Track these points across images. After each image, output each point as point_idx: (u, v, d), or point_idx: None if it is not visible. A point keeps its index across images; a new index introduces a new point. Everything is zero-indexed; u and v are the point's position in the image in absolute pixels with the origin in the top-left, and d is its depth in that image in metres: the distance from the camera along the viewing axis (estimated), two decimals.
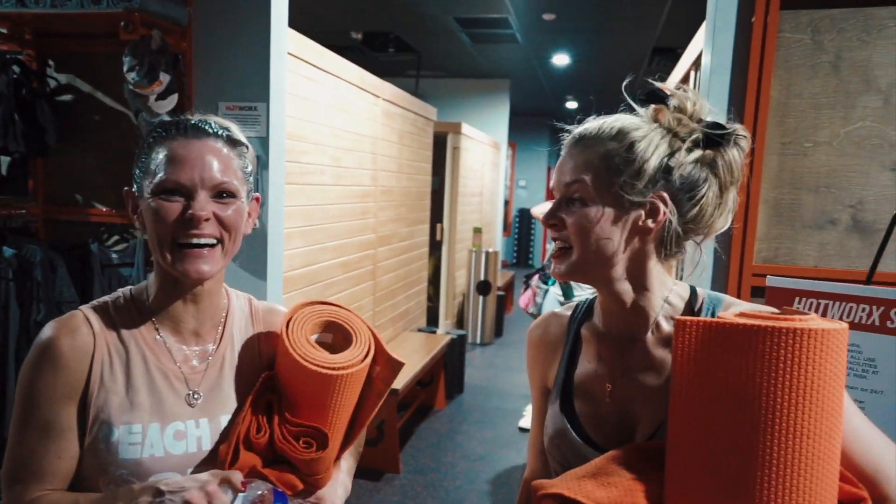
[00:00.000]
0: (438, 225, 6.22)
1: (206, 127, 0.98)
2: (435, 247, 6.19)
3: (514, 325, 7.84)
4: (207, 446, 0.99)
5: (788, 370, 0.72)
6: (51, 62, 2.67)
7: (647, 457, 0.83)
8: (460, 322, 6.85)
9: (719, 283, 1.79)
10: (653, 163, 0.90)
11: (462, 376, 5.24)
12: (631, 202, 0.90)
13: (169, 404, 0.98)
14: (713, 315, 0.94)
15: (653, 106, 0.95)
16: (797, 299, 1.46)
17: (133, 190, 1.00)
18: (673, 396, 0.79)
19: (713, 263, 1.81)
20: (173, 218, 0.93)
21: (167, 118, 2.50)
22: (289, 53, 2.71)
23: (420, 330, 5.15)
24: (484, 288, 6.65)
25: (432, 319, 6.16)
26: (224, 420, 1.01)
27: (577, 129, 0.97)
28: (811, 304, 1.45)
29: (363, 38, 6.72)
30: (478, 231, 7.04)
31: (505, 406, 4.94)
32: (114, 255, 2.61)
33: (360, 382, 1.02)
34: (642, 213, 0.91)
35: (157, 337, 1.00)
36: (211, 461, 0.98)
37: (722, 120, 0.92)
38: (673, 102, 0.93)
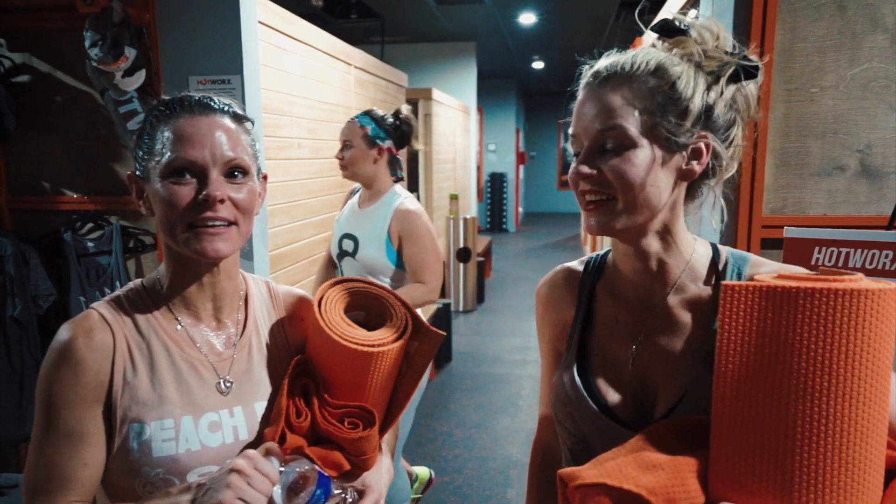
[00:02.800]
0: (414, 194, 6.13)
1: (211, 103, 0.92)
2: None
3: (495, 290, 7.84)
4: (244, 436, 0.94)
5: (845, 333, 0.68)
6: (2, 41, 2.48)
7: (683, 434, 0.78)
8: (442, 291, 6.80)
9: (728, 236, 1.76)
10: (697, 101, 0.83)
11: (450, 345, 5.22)
12: (678, 144, 0.83)
13: (199, 395, 0.93)
14: (739, 275, 0.89)
15: (672, 39, 0.86)
16: (816, 248, 1.44)
17: (136, 173, 0.94)
18: (719, 366, 0.74)
19: (720, 216, 1.78)
20: (187, 200, 0.88)
21: (135, 95, 2.37)
22: (258, 22, 2.57)
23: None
24: (464, 255, 6.61)
25: None
26: (259, 407, 0.97)
27: (601, 65, 0.86)
28: (831, 252, 1.42)
29: (324, 5, 6.49)
30: (454, 198, 6.96)
31: (495, 371, 4.95)
32: (90, 244, 2.48)
33: (398, 359, 0.98)
34: (685, 155, 0.85)
35: (178, 327, 0.95)
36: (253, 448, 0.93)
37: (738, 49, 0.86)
38: (693, 34, 0.85)
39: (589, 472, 0.75)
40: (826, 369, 0.68)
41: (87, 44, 2.14)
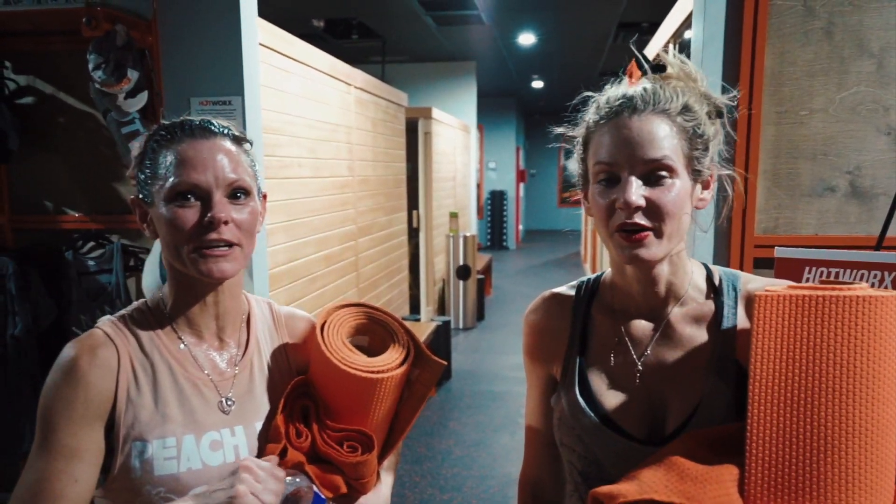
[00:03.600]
0: (414, 212, 6.16)
1: (211, 126, 0.94)
2: (412, 234, 6.14)
3: (495, 308, 7.85)
4: (245, 455, 0.95)
5: (869, 337, 0.73)
6: (7, 63, 2.53)
7: (712, 444, 0.79)
8: (442, 308, 6.82)
9: (721, 256, 1.78)
10: (712, 136, 0.90)
11: (449, 362, 5.22)
12: (700, 175, 0.89)
13: (201, 414, 0.94)
14: (735, 289, 0.93)
15: (666, 74, 0.92)
16: (807, 269, 1.46)
17: (140, 197, 0.96)
18: (755, 374, 0.76)
19: (713, 237, 1.80)
20: (192, 223, 0.90)
21: (137, 116, 2.41)
22: (259, 44, 2.61)
23: (404, 318, 5.10)
24: (464, 272, 6.63)
25: (414, 307, 6.12)
26: (259, 427, 0.98)
27: (633, 95, 0.87)
28: (821, 272, 1.44)
29: (325, 26, 6.58)
30: (454, 216, 7.00)
31: (494, 389, 4.94)
32: (90, 263, 2.50)
33: (400, 386, 0.98)
34: (700, 186, 0.90)
35: (181, 346, 0.97)
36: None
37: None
38: (675, 72, 0.91)
39: (629, 489, 0.74)
40: (852, 373, 0.73)
41: (90, 66, 2.18)
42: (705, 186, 0.91)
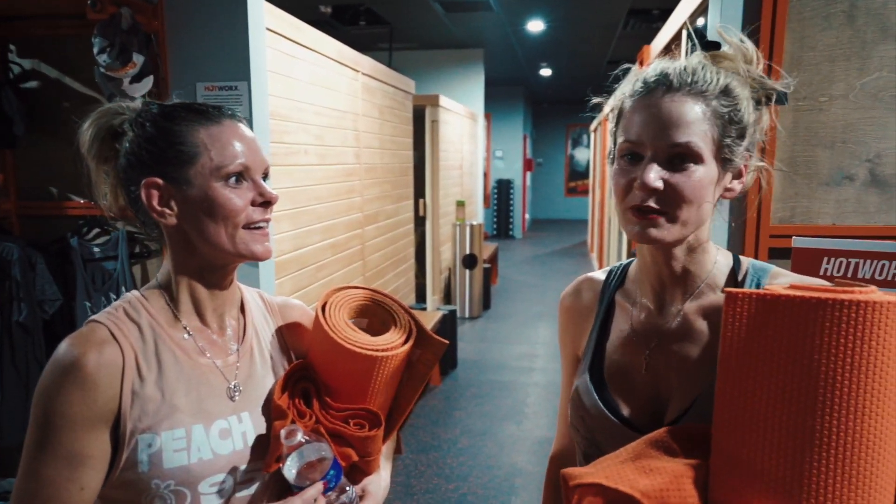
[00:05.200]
0: (421, 200, 6.13)
1: (228, 111, 0.95)
2: (418, 222, 6.11)
3: (501, 297, 7.83)
4: (253, 442, 0.94)
5: (850, 345, 0.67)
6: (12, 47, 2.50)
7: (688, 440, 0.78)
8: (448, 297, 6.80)
9: (735, 246, 1.75)
10: (751, 123, 0.85)
11: (455, 352, 5.21)
12: (731, 163, 0.85)
13: (210, 402, 0.92)
14: (758, 285, 0.89)
15: (718, 53, 0.87)
16: (825, 259, 1.42)
17: (158, 180, 0.91)
18: (721, 374, 0.74)
19: (727, 227, 1.76)
20: (245, 202, 0.91)
21: (143, 100, 2.38)
22: (266, 28, 2.58)
23: (410, 307, 5.08)
24: (470, 261, 6.60)
25: (420, 296, 6.10)
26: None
27: (668, 71, 0.84)
28: (840, 263, 1.41)
29: (332, 12, 6.52)
30: (461, 204, 6.96)
31: (500, 379, 4.93)
32: (96, 249, 2.49)
33: (402, 366, 0.99)
34: (731, 175, 0.87)
35: (186, 335, 0.95)
36: (258, 453, 0.94)
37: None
38: (731, 51, 0.86)
39: (587, 472, 0.76)
40: (829, 381, 0.67)
41: (95, 50, 2.15)
42: (737, 176, 0.88)
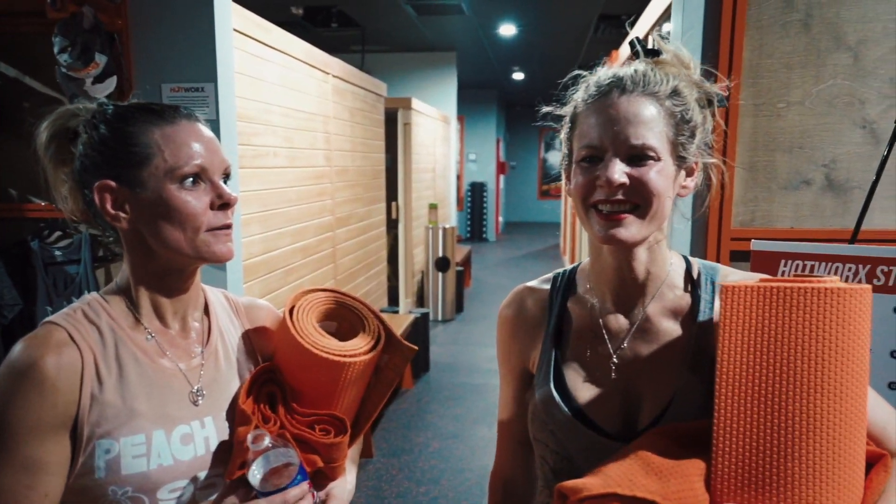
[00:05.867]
0: (393, 203, 6.12)
1: (185, 110, 0.92)
2: (391, 225, 6.10)
3: (475, 299, 7.84)
4: (215, 446, 0.93)
5: (835, 330, 0.72)
6: None
7: (680, 439, 0.78)
8: (421, 300, 6.80)
9: (698, 249, 1.78)
10: (699, 123, 0.88)
11: (427, 355, 5.20)
12: (684, 161, 0.88)
13: (172, 407, 0.90)
14: (712, 283, 0.91)
15: (660, 59, 0.90)
16: (782, 261, 1.46)
17: (111, 182, 0.88)
18: (722, 368, 0.75)
19: (690, 229, 1.80)
20: (203, 205, 0.88)
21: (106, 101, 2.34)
22: (234, 29, 2.56)
23: (382, 311, 5.08)
24: (443, 264, 6.61)
25: (393, 299, 6.08)
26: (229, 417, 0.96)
27: (621, 74, 0.86)
28: (797, 265, 1.44)
29: (304, 13, 6.48)
30: (433, 207, 6.97)
31: (473, 382, 4.94)
32: (57, 253, 2.43)
33: (370, 371, 0.98)
34: (684, 173, 0.89)
35: (148, 337, 0.93)
36: (220, 460, 0.92)
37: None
38: (668, 58, 0.89)
39: (594, 483, 0.73)
40: (819, 365, 0.71)
41: (55, 49, 2.11)
42: (689, 174, 0.90)
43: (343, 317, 1.01)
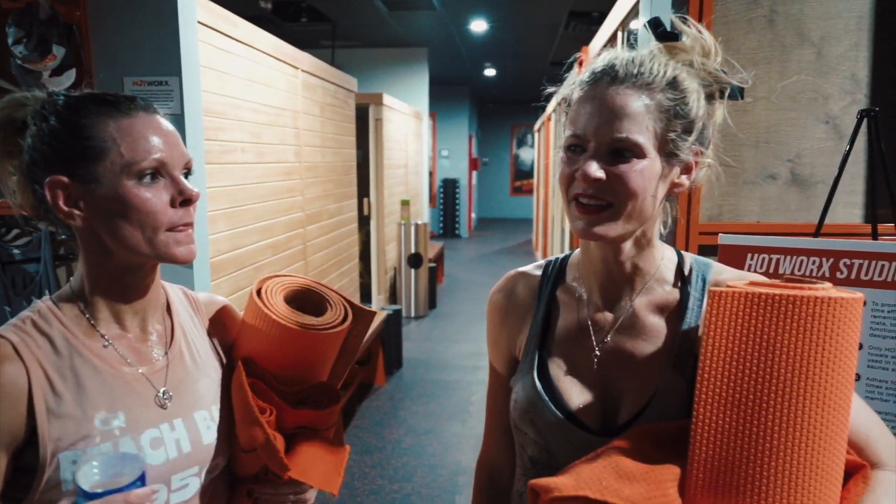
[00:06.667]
0: (365, 199, 6.08)
1: (142, 101, 0.88)
2: (363, 222, 6.06)
3: (447, 296, 7.84)
4: (188, 448, 0.90)
5: (822, 339, 0.70)
6: None
7: (658, 441, 0.77)
8: (393, 296, 6.77)
9: (667, 242, 1.79)
10: (701, 117, 0.83)
11: (400, 351, 5.18)
12: (678, 158, 0.83)
13: (137, 412, 0.87)
14: (704, 279, 0.89)
15: (674, 45, 0.84)
16: (749, 255, 1.47)
17: (63, 178, 0.84)
18: (703, 371, 0.74)
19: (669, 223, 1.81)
20: (163, 203, 0.84)
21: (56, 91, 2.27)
22: (199, 22, 2.50)
23: None
24: (415, 261, 6.58)
25: (365, 296, 6.05)
26: (199, 417, 0.93)
27: (615, 62, 0.82)
28: (763, 259, 1.46)
29: (273, 8, 6.39)
30: (405, 203, 6.94)
31: (446, 378, 4.93)
32: (15, 251, 2.36)
33: (341, 341, 1.02)
34: (678, 169, 0.85)
35: (105, 344, 0.89)
36: (193, 460, 0.90)
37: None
38: (688, 43, 0.83)
39: (566, 483, 0.72)
40: (803, 374, 0.70)
41: (10, 41, 2.04)
42: (685, 171, 0.85)
43: (306, 297, 1.03)
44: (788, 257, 1.44)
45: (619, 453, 0.75)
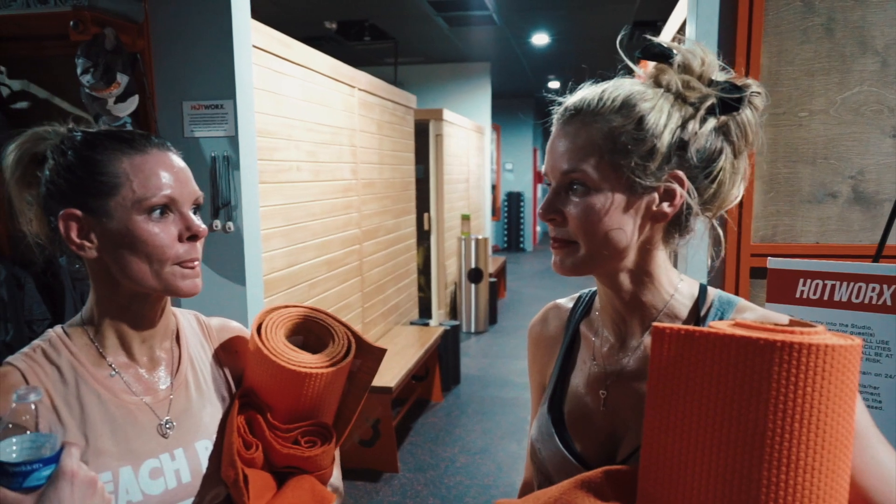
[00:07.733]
0: (426, 214, 6.11)
1: (156, 139, 0.91)
2: (423, 237, 6.09)
3: (509, 311, 7.76)
4: (187, 479, 0.91)
5: (783, 391, 0.60)
6: (2, 68, 2.53)
7: (619, 483, 0.74)
8: (454, 312, 6.76)
9: (716, 267, 1.70)
10: (666, 138, 0.77)
11: (458, 367, 5.16)
12: (643, 186, 0.78)
13: (137, 442, 0.89)
14: (722, 319, 0.83)
15: (654, 66, 0.81)
16: (801, 280, 1.37)
17: (77, 211, 0.87)
18: (648, 414, 0.69)
19: (706, 246, 1.71)
20: (171, 237, 0.87)
21: (129, 121, 2.39)
22: (254, 46, 2.59)
23: (412, 323, 5.06)
24: (475, 275, 6.56)
25: (425, 311, 6.07)
26: (200, 447, 0.94)
27: (570, 101, 0.82)
28: (816, 285, 1.35)
29: (338, 28, 6.56)
30: (466, 218, 6.93)
31: (503, 395, 4.87)
32: (84, 269, 2.49)
33: (344, 377, 0.99)
34: (656, 196, 0.79)
35: (112, 373, 0.91)
36: (192, 491, 0.91)
37: (726, 75, 0.80)
38: (677, 60, 0.79)
39: None
40: (759, 428, 0.61)
41: (78, 70, 2.16)
42: (667, 197, 0.79)
43: (310, 329, 1.02)
44: (845, 283, 1.32)
45: (574, 489, 0.74)
